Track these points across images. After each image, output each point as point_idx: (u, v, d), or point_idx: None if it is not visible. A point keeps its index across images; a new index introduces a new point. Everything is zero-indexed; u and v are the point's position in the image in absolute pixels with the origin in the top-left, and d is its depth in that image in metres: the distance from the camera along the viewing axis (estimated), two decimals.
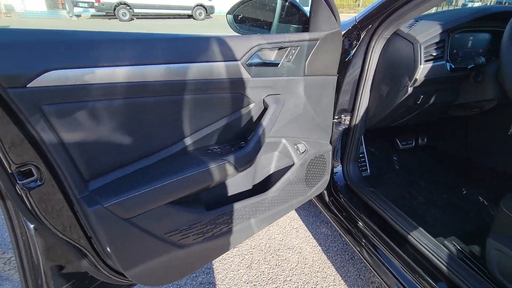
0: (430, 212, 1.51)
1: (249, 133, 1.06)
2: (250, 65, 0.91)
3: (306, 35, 1.03)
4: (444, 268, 1.02)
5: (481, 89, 1.20)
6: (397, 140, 1.83)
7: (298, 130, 1.19)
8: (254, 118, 1.03)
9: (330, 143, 1.42)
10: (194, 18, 13.05)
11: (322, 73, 1.14)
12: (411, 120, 1.45)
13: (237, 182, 1.08)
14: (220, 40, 0.88)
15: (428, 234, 1.14)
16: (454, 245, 1.23)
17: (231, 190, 1.07)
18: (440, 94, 1.26)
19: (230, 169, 0.91)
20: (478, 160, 1.61)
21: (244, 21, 1.19)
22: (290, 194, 1.16)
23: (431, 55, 1.14)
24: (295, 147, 1.19)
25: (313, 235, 1.77)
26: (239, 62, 0.88)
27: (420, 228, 1.17)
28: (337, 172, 1.51)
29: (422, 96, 1.21)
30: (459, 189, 1.67)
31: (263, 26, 1.21)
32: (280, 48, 0.99)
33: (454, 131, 1.74)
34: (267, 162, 1.17)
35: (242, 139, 1.04)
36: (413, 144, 1.83)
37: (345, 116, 1.43)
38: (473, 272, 0.99)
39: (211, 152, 0.93)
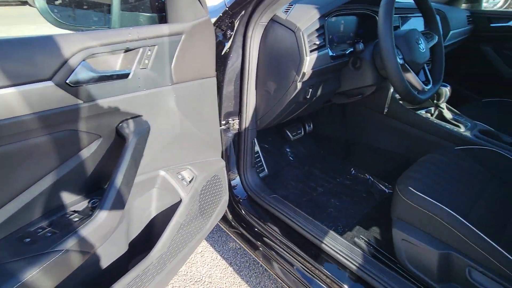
0: (330, 203, 1.49)
1: (105, 180, 0.71)
2: (76, 83, 0.56)
3: (164, 28, 0.73)
4: (355, 267, 0.95)
5: (360, 75, 1.17)
6: (287, 132, 1.76)
7: (179, 154, 0.91)
8: (107, 158, 0.69)
9: (223, 155, 1.19)
10: (31, 5, 10.44)
11: (196, 76, 0.87)
12: (301, 113, 1.36)
13: (102, 253, 0.72)
14: (9, 45, 0.50)
15: (334, 233, 1.06)
16: (362, 239, 1.21)
17: (94, 269, 0.71)
18: (326, 84, 1.18)
19: (74, 259, 0.56)
20: (359, 141, 1.69)
21: (67, 5, 0.79)
22: (184, 240, 0.89)
23: (315, 44, 1.02)
24: (179, 176, 0.90)
25: (221, 255, 1.55)
26: (50, 83, 0.52)
27: (325, 227, 1.09)
28: (236, 186, 1.30)
29: (310, 90, 1.11)
30: (348, 170, 1.72)
31: (101, 14, 0.83)
32: (127, 50, 0.66)
33: (333, 115, 1.78)
34: (143, 207, 0.85)
35: (95, 193, 0.69)
36: (302, 133, 1.80)
37: (233, 120, 1.22)
38: (384, 267, 0.95)
39: (30, 241, 0.55)
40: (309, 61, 1.00)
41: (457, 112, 1.53)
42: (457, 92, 2.10)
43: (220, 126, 1.19)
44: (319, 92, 1.18)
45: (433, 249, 0.91)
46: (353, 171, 1.70)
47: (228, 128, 1.24)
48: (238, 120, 1.23)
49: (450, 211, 0.91)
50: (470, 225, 0.87)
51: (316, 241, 1.06)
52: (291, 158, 1.79)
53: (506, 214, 0.96)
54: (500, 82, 1.95)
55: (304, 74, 1.01)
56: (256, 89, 1.18)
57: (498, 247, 0.83)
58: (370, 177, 1.65)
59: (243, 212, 1.28)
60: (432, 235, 0.94)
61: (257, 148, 1.59)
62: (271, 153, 1.74)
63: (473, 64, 2.10)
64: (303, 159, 1.81)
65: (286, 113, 1.22)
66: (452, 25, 1.79)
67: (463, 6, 2.09)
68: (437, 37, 1.23)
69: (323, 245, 1.04)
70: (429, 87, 1.11)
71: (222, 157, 1.24)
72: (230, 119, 1.22)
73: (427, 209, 0.94)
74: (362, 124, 1.67)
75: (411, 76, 1.07)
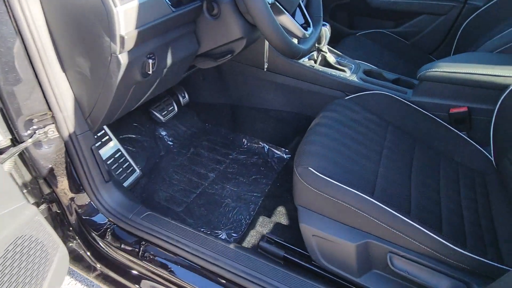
0: (226, 191, 1.22)
1: None
2: None
3: None
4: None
5: (222, 27, 0.83)
6: (155, 112, 1.34)
7: None
8: None
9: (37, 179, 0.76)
10: None
11: None
12: (155, 93, 0.97)
13: None
14: None
15: (234, 248, 0.81)
16: (269, 240, 0.99)
17: None
18: (175, 48, 0.80)
19: None
20: (245, 104, 1.41)
21: None
22: None
23: None
24: None
25: None
26: None
27: (220, 242, 0.82)
28: (90, 213, 0.89)
29: (150, 61, 0.71)
30: (239, 141, 1.46)
31: None
32: None
33: (209, 78, 1.43)
34: None
35: None
36: (175, 108, 1.41)
37: (44, 127, 0.76)
38: (292, 274, 0.75)
39: None
40: (124, 16, 0.59)
41: (339, 53, 1.37)
42: (331, 28, 1.99)
43: (21, 142, 0.72)
44: (168, 62, 0.80)
45: (348, 242, 0.73)
46: (246, 142, 1.45)
47: (40, 142, 0.77)
48: (54, 125, 0.77)
49: (357, 193, 0.73)
50: (380, 204, 0.72)
51: (212, 267, 0.78)
52: (169, 143, 1.42)
53: (405, 176, 0.85)
54: (369, 12, 1.89)
55: (123, 39, 0.61)
56: (65, 72, 0.73)
57: (412, 223, 0.70)
58: (265, 144, 1.43)
59: (107, 247, 0.90)
60: (345, 224, 0.76)
61: (116, 146, 1.16)
62: (141, 144, 1.32)
63: None
64: (186, 140, 1.46)
65: (126, 101, 0.81)
66: None
67: None
68: None
69: (221, 269, 0.77)
70: (310, 31, 0.86)
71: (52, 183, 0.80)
72: (36, 127, 0.75)
73: (332, 195, 0.74)
74: (244, 84, 1.38)
75: (286, 20, 0.78)
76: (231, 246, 0.82)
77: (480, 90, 1.00)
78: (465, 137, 1.04)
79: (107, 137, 1.13)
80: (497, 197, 0.87)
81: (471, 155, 1.00)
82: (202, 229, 1.07)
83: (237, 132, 1.49)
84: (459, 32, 1.58)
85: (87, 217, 0.92)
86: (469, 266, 0.67)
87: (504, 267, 0.68)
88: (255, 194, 1.21)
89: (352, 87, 1.17)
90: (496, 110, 0.94)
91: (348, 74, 1.21)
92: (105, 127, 1.14)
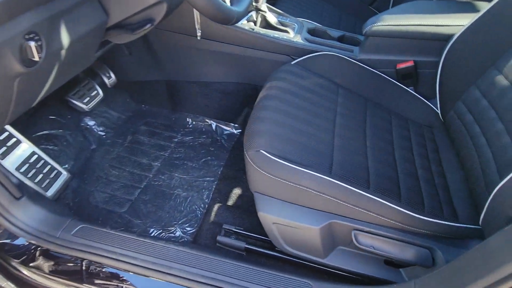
0: (175, 180, 1.10)
1: None
2: None
3: None
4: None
5: None
6: (73, 101, 1.13)
7: None
8: None
9: None
10: None
11: None
12: (66, 78, 0.77)
13: None
14: None
15: (183, 249, 0.72)
16: (227, 232, 0.91)
17: None
18: (72, 22, 0.61)
19: None
20: (184, 79, 1.24)
21: None
22: None
23: None
24: None
25: None
26: None
27: (172, 247, 0.73)
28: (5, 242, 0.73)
29: (34, 44, 0.53)
30: (183, 121, 1.31)
31: None
32: None
33: (135, 50, 1.22)
34: None
35: None
36: (100, 92, 1.20)
37: None
38: (255, 268, 0.69)
39: None
40: None
41: (280, 11, 1.24)
42: None
43: None
44: (64, 41, 0.61)
45: (311, 226, 0.68)
46: (190, 121, 1.31)
47: None
48: None
49: (315, 174, 0.67)
50: (339, 183, 0.67)
51: (166, 277, 0.69)
52: (101, 134, 1.22)
53: (361, 143, 0.80)
54: None
55: None
56: None
57: (373, 197, 0.66)
58: (212, 121, 1.30)
59: (35, 275, 0.75)
60: (306, 207, 0.70)
61: (29, 148, 0.95)
62: (64, 140, 1.12)
63: None
64: (121, 127, 1.27)
65: (13, 100, 0.61)
66: None
67: None
68: None
69: (176, 278, 0.68)
70: None
71: None
72: None
73: (289, 180, 0.67)
74: (177, 56, 1.20)
75: None
76: (185, 249, 0.72)
77: (425, 42, 0.97)
78: (413, 92, 1.02)
79: (14, 139, 0.92)
80: (446, 150, 0.88)
81: (419, 110, 0.99)
82: (152, 229, 0.96)
83: (179, 111, 1.33)
84: None
85: (2, 244, 0.75)
86: (430, 230, 0.67)
87: (459, 225, 0.68)
88: (207, 179, 1.11)
89: (298, 50, 1.07)
90: (441, 62, 0.92)
91: (292, 35, 1.10)
92: (7, 127, 0.91)
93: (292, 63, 1.01)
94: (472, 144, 0.77)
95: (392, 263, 0.74)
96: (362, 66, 1.02)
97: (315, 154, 0.72)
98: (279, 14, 1.23)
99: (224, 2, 0.59)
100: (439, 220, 0.67)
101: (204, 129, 1.29)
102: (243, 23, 1.10)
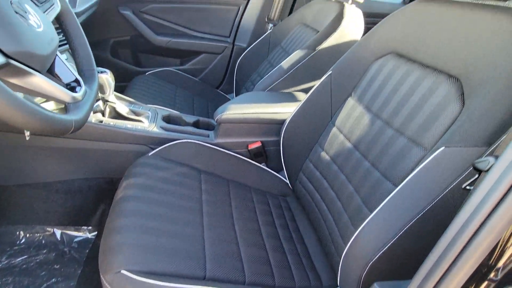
0: None
1: None
2: None
3: None
4: None
5: None
6: None
7: None
8: None
9: None
10: None
11: None
12: None
13: None
14: None
15: None
16: None
17: None
18: None
19: None
20: (6, 183, 0.99)
21: None
22: None
23: None
24: None
25: None
26: None
27: None
28: None
29: None
30: (10, 238, 1.01)
31: None
32: None
33: None
34: None
35: None
36: None
37: None
38: None
39: None
40: None
41: (131, 99, 1.22)
42: (115, 67, 1.80)
43: None
44: None
45: None
46: (22, 235, 1.02)
47: None
48: None
49: (186, 286, 0.61)
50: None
51: None
52: None
53: (230, 229, 0.82)
54: (153, 49, 1.85)
55: None
56: None
57: None
58: (54, 229, 1.06)
59: None
60: None
61: None
62: None
63: (121, 31, 1.83)
64: None
65: None
66: None
67: None
68: (58, 1, 0.74)
69: None
70: (81, 91, 0.66)
71: None
72: None
73: None
74: (1, 156, 0.96)
75: (39, 83, 0.55)
76: None
77: (268, 125, 1.14)
78: (265, 168, 1.15)
79: None
80: (301, 216, 1.00)
81: (273, 183, 1.11)
82: None
83: (5, 224, 1.03)
84: (235, 69, 1.80)
85: None
86: None
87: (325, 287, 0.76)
88: None
89: (154, 138, 1.05)
90: (281, 141, 1.09)
91: (147, 124, 1.08)
92: None
93: (150, 154, 0.97)
94: (317, 210, 0.90)
95: None
96: (219, 150, 1.09)
97: (185, 256, 0.67)
98: (130, 102, 1.20)
99: (55, 113, 0.52)
100: None
101: (44, 242, 1.02)
102: (91, 117, 1.01)
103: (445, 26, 0.67)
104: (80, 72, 0.72)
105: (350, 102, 0.91)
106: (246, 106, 1.12)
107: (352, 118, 0.87)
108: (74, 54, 0.72)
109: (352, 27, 1.26)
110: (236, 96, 1.75)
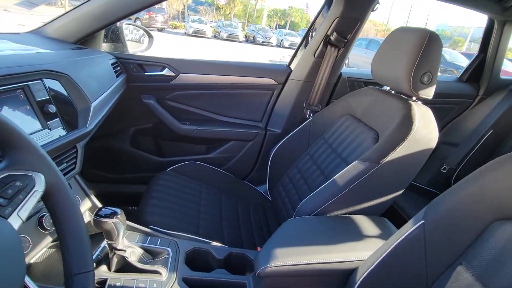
0: None
1: None
2: None
3: None
4: None
5: None
6: None
7: None
8: None
9: None
10: None
11: None
12: None
13: None
14: None
15: None
16: None
17: None
18: None
19: None
20: None
21: None
22: None
23: None
24: None
25: None
26: None
27: None
28: None
29: None
30: None
31: None
32: None
33: None
34: None
35: None
36: None
37: None
38: None
39: None
40: None
41: (147, 230, 0.96)
42: (134, 157, 1.60)
43: None
44: None
45: None
46: None
47: None
48: None
49: None
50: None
51: None
52: None
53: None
54: (178, 138, 1.64)
55: None
56: None
57: None
58: None
59: None
60: None
61: None
62: None
63: (143, 120, 1.64)
64: None
65: None
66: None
67: (104, 46, 1.53)
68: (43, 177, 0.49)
69: None
70: None
71: None
72: None
73: None
74: None
75: None
76: None
77: (329, 278, 0.83)
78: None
79: None
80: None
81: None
82: None
83: None
84: (269, 160, 1.54)
85: None
86: None
87: None
88: None
89: None
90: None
91: (165, 277, 0.81)
92: None
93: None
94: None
95: None
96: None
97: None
98: (146, 233, 0.95)
99: None
100: None
101: None
102: None
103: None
104: (67, 276, 0.46)
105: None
106: (298, 250, 0.83)
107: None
108: (62, 248, 0.47)
109: (425, 133, 1.00)
110: (270, 191, 1.47)
